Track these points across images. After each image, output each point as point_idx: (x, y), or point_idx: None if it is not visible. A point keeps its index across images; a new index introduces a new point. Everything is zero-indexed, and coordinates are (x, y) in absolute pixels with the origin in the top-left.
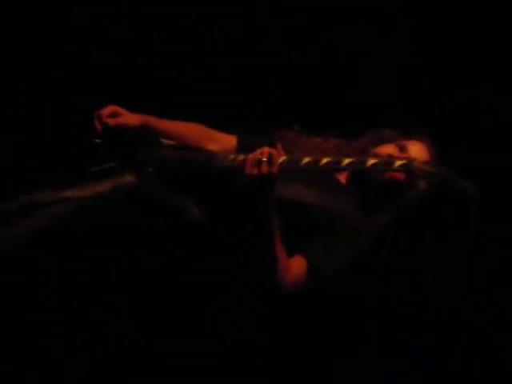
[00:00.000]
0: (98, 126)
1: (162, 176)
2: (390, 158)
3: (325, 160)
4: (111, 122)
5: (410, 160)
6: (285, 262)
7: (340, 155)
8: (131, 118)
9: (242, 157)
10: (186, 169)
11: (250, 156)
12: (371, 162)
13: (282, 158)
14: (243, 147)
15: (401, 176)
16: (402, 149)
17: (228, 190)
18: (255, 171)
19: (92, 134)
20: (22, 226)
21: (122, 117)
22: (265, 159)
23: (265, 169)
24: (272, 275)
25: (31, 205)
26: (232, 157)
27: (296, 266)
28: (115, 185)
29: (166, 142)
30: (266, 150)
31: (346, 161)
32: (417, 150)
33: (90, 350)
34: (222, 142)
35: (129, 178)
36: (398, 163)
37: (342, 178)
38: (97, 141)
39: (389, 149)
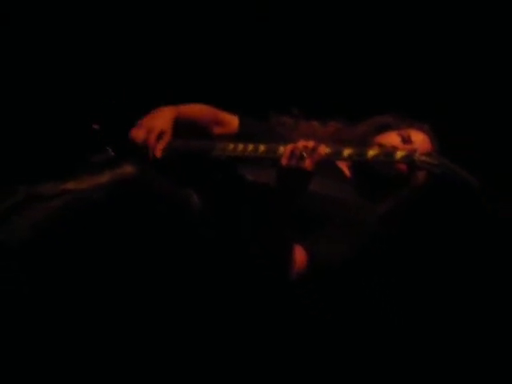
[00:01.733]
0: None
1: (162, 166)
2: (392, 149)
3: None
4: (162, 146)
5: (412, 151)
6: (292, 250)
7: (340, 141)
8: (169, 129)
9: (241, 146)
10: (187, 158)
11: (290, 147)
12: (372, 153)
13: (326, 151)
14: (244, 131)
15: (404, 168)
16: (406, 139)
17: (228, 179)
18: (293, 164)
19: (90, 120)
20: (24, 220)
21: (167, 134)
22: (306, 154)
23: (306, 163)
24: (280, 264)
25: (33, 198)
26: (232, 146)
27: (298, 255)
28: (115, 176)
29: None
30: (311, 143)
31: (347, 151)
32: (420, 141)
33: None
34: (226, 124)
35: (128, 169)
36: (400, 154)
37: (344, 165)
38: (95, 127)
39: (392, 139)
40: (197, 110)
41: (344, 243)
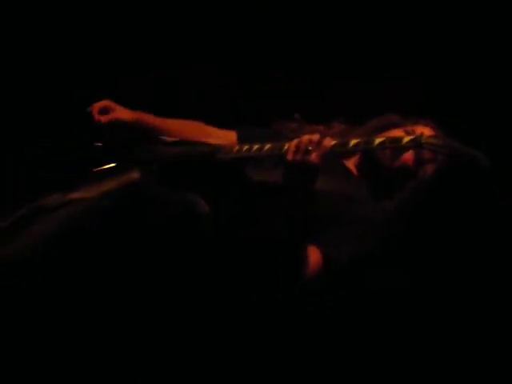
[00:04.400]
0: (95, 123)
1: (168, 172)
2: (398, 137)
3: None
4: (103, 119)
5: (419, 135)
6: (305, 251)
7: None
8: (123, 113)
9: (246, 147)
10: (191, 164)
11: (295, 142)
12: (378, 140)
13: (331, 143)
14: (244, 141)
15: (410, 160)
16: (410, 133)
17: (236, 181)
18: (299, 159)
19: (93, 138)
20: (32, 233)
21: (114, 112)
22: (311, 148)
23: (312, 157)
24: (295, 267)
25: (39, 210)
26: (237, 148)
27: (312, 256)
28: (121, 183)
29: (168, 138)
30: (316, 136)
31: (353, 142)
32: (426, 131)
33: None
34: (221, 138)
35: (135, 175)
36: (407, 139)
37: (351, 164)
38: (98, 144)
39: (397, 133)
40: (181, 123)
41: (354, 242)
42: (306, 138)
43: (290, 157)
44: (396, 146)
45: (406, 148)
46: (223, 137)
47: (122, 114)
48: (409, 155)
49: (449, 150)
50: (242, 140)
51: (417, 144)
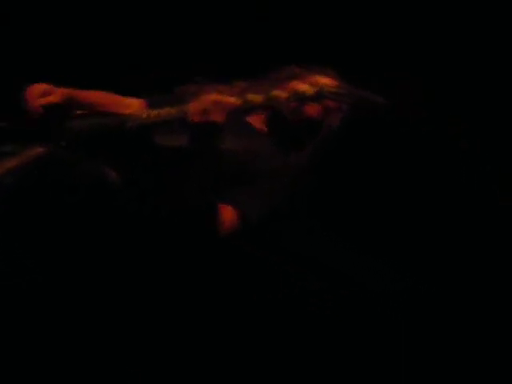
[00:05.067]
0: (32, 108)
1: (78, 145)
2: (301, 89)
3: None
4: (43, 102)
5: (321, 86)
6: (217, 210)
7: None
8: (57, 96)
9: (155, 112)
10: (101, 135)
11: (196, 103)
12: (281, 94)
13: (231, 100)
14: (153, 108)
15: (316, 112)
16: (313, 84)
17: (145, 149)
18: (202, 119)
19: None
20: None
21: (53, 95)
22: (213, 108)
23: (214, 115)
24: (208, 226)
25: None
26: (145, 114)
27: (226, 213)
28: (25, 159)
29: (77, 112)
30: (215, 96)
31: (255, 98)
32: (327, 81)
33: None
34: (131, 106)
35: (39, 150)
36: (309, 91)
37: (256, 120)
38: (1, 124)
39: (299, 86)
40: (93, 95)
41: (263, 197)
42: (207, 98)
43: (193, 118)
44: (299, 98)
45: (309, 100)
46: (133, 105)
47: (56, 97)
48: (313, 107)
49: (351, 97)
50: (150, 105)
51: (320, 95)
